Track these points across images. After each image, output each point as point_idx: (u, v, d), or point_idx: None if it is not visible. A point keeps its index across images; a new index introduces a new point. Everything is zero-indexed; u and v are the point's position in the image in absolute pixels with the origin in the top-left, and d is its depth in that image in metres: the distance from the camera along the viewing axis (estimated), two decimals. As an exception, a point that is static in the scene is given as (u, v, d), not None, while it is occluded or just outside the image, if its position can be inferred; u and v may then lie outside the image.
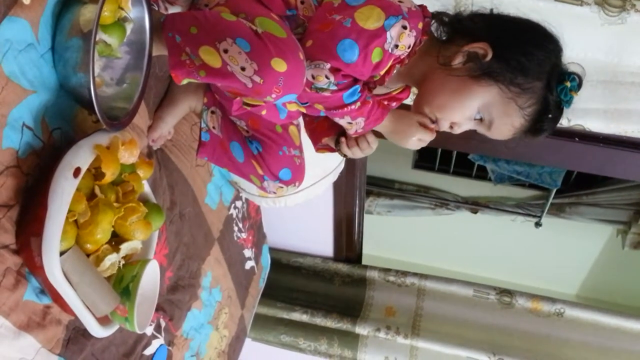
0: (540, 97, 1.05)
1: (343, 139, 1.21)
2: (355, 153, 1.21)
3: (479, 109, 1.08)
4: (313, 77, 1.02)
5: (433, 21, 1.13)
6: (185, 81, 1.05)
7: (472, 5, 1.39)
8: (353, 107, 1.07)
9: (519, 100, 1.05)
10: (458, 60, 1.07)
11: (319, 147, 1.31)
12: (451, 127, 1.12)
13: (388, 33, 1.02)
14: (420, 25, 1.06)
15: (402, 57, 1.07)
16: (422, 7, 1.11)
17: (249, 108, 1.13)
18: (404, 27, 1.03)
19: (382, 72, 1.08)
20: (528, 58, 1.04)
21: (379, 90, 1.18)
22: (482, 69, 1.05)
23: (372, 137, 1.19)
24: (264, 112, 1.23)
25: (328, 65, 1.01)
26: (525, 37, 1.07)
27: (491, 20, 1.11)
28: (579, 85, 1.07)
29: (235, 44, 0.95)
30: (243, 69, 0.95)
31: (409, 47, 1.06)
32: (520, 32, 1.08)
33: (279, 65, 0.95)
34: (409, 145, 1.17)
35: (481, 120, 1.10)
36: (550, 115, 1.08)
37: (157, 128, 1.34)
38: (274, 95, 0.98)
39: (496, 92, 1.05)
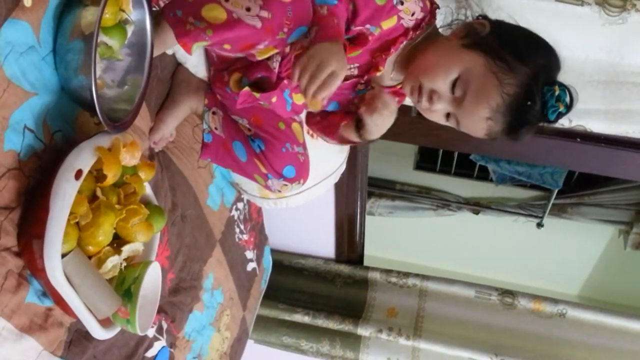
0: (524, 84, 1.04)
1: (363, 108, 1.12)
2: (376, 120, 1.12)
3: (459, 74, 1.06)
4: None
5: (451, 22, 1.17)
6: (195, 46, 1.05)
7: (471, 8, 1.40)
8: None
9: (501, 75, 1.04)
10: (457, 31, 1.10)
11: (340, 139, 1.27)
12: (430, 98, 1.10)
13: None
14: (427, 3, 1.08)
15: (407, 26, 1.08)
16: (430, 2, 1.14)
17: (257, 96, 1.12)
18: None
19: (383, 26, 1.08)
20: (522, 43, 1.06)
21: (383, 82, 1.18)
22: (475, 40, 1.07)
23: (387, 96, 1.12)
24: (274, 99, 1.22)
25: None
26: (526, 32, 1.09)
27: (500, 20, 1.13)
28: (569, 105, 1.06)
29: None
30: (248, 9, 0.94)
31: (413, 15, 1.07)
32: (523, 29, 1.10)
33: None
34: (328, 67, 0.95)
35: (456, 91, 1.07)
36: (529, 104, 1.05)
37: (158, 130, 1.34)
38: (285, 29, 0.97)
39: (481, 63, 1.05)
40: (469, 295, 2.40)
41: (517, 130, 1.08)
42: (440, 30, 1.20)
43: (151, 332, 1.36)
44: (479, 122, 1.08)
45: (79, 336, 1.05)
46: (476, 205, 3.54)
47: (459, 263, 3.67)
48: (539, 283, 3.53)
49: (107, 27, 0.97)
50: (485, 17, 1.14)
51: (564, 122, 1.54)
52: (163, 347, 1.41)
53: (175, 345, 1.50)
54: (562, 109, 1.05)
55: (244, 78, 1.21)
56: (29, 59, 0.87)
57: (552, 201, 3.22)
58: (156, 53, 1.10)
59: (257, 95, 1.12)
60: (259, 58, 1.09)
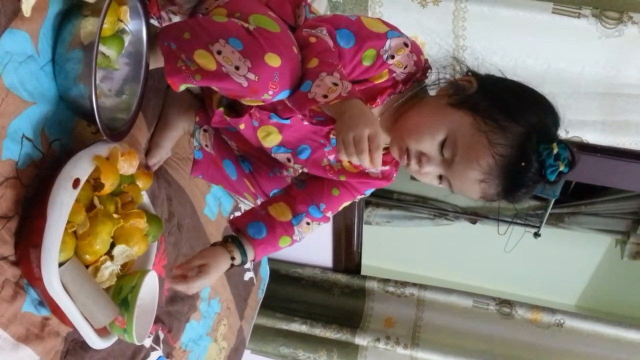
0: (516, 144, 0.97)
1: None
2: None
3: (447, 135, 1.01)
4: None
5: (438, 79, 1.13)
6: (182, 87, 1.05)
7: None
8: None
9: (491, 134, 0.98)
10: (443, 90, 1.06)
11: None
12: (419, 160, 1.04)
13: (388, 41, 1.02)
14: (422, 59, 1.06)
15: (397, 78, 1.07)
16: (424, 59, 1.12)
17: (228, 119, 1.12)
18: (405, 45, 1.03)
19: (374, 81, 1.06)
20: (513, 100, 1.01)
21: None
22: (462, 99, 1.02)
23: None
24: (242, 126, 1.20)
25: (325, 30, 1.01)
26: (518, 87, 1.04)
27: (489, 75, 1.08)
28: (571, 164, 0.98)
29: (227, 44, 0.94)
30: (237, 68, 0.94)
31: (405, 69, 1.05)
32: (514, 84, 1.05)
33: (273, 60, 0.94)
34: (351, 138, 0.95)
35: (445, 153, 1.02)
36: (524, 165, 0.98)
37: (155, 154, 1.35)
38: (271, 92, 0.97)
39: (469, 122, 1.00)
40: (467, 305, 2.40)
41: (514, 193, 1.02)
42: (428, 90, 1.15)
43: (148, 342, 1.35)
44: (472, 184, 1.02)
45: (75, 346, 1.05)
46: (473, 215, 3.54)
47: (456, 272, 3.66)
48: (537, 293, 3.52)
49: (105, 36, 0.98)
50: (473, 73, 1.09)
51: (560, 134, 1.54)
52: (160, 357, 1.40)
53: (172, 356, 1.49)
54: (562, 168, 0.98)
55: (224, 98, 1.20)
56: (28, 69, 0.87)
57: (549, 211, 3.22)
58: (153, 66, 1.10)
59: (228, 118, 1.11)
60: (246, 104, 1.09)
